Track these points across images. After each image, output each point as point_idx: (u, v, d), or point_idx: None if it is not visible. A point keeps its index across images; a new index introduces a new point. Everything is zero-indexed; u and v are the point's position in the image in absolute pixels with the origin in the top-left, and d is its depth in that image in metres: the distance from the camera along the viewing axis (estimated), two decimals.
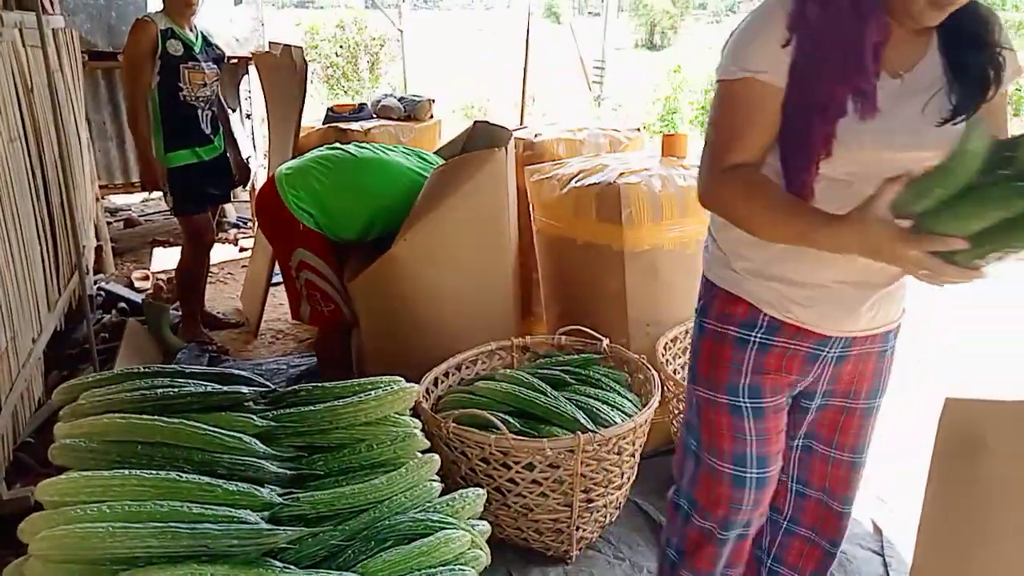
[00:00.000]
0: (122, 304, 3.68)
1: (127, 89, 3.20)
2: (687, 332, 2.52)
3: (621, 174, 2.45)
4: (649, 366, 2.24)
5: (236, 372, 1.67)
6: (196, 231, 3.36)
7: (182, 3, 3.06)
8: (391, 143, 3.28)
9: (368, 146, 2.56)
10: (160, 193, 3.31)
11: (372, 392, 1.60)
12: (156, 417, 1.40)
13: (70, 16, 4.02)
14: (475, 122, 2.87)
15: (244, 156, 3.70)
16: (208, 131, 3.28)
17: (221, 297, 4.16)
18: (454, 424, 1.94)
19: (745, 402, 1.30)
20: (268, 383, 1.70)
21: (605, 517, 2.11)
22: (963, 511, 0.95)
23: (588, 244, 2.54)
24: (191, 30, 3.17)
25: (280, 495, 1.37)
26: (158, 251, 4.86)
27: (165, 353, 3.25)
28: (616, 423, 1.97)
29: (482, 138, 2.72)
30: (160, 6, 3.14)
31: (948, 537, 0.98)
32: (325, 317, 2.54)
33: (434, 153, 2.73)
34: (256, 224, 4.18)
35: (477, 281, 2.49)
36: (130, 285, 4.18)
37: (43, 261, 2.58)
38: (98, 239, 4.22)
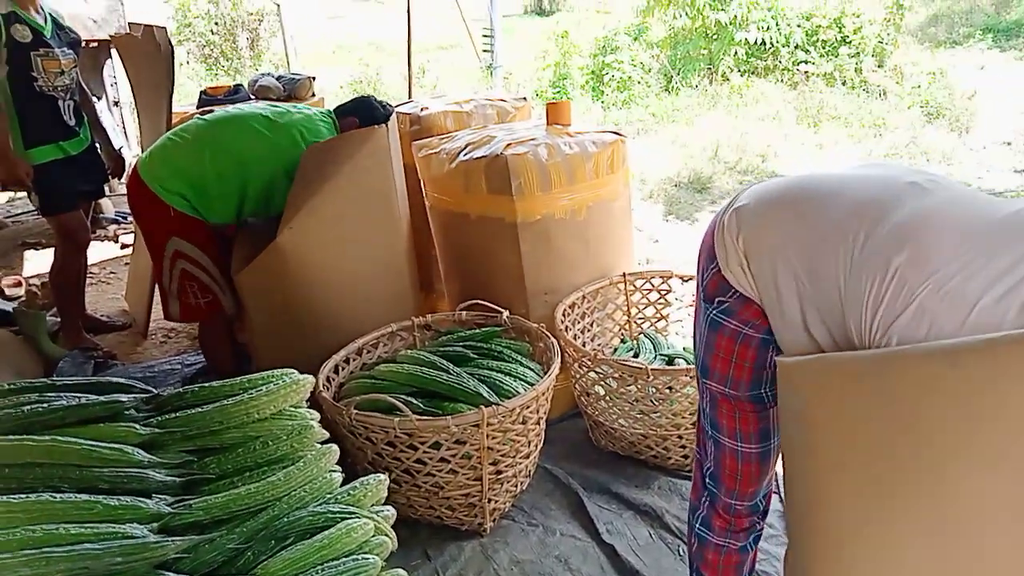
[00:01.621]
0: None
1: None
2: (584, 297, 2.57)
3: (508, 145, 2.45)
4: (548, 334, 2.27)
5: (114, 380, 1.59)
6: (69, 231, 3.14)
7: None
8: None
9: (221, 109, 2.45)
10: (25, 192, 3.07)
11: (263, 387, 1.56)
12: (23, 436, 1.31)
13: None
14: (358, 97, 2.79)
15: (117, 146, 3.47)
16: (72, 123, 3.05)
17: (104, 298, 3.93)
18: (356, 411, 1.91)
19: (767, 392, 1.25)
20: (151, 388, 1.62)
21: (516, 486, 2.15)
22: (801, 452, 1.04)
23: (481, 217, 2.53)
24: (37, 12, 2.92)
25: (170, 504, 1.32)
26: (29, 254, 4.53)
27: (45, 364, 3.04)
28: (519, 393, 2.00)
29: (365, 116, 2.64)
30: None
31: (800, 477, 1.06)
32: (202, 310, 2.43)
33: None
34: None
35: (370, 263, 2.45)
36: (0, 293, 3.88)
37: None
38: None
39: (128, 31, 3.68)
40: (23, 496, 1.20)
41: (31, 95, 2.89)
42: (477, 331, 2.36)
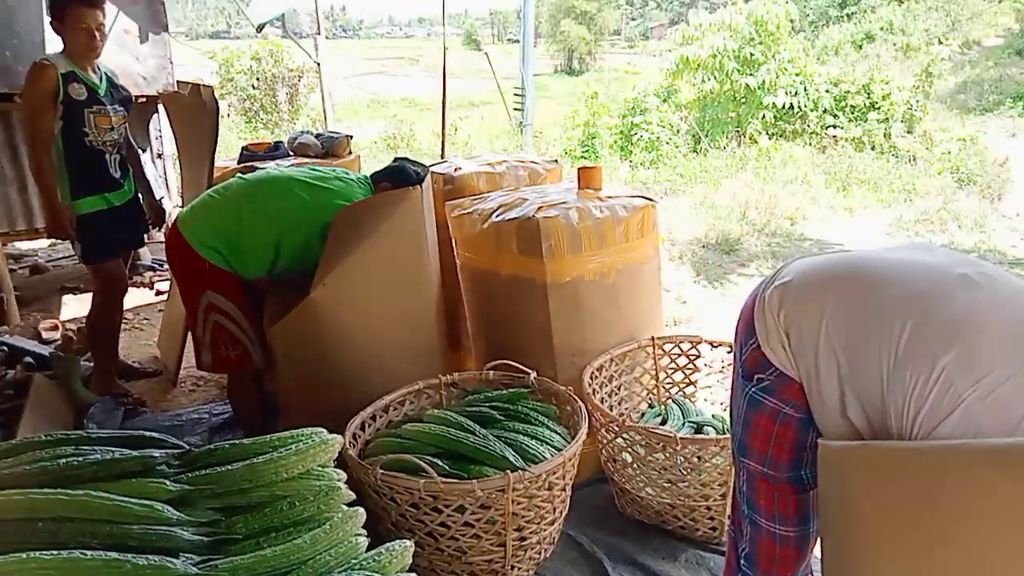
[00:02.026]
0: (28, 358, 3.48)
1: (28, 136, 3.05)
2: (612, 360, 2.57)
3: (540, 208, 2.49)
4: (576, 398, 2.26)
5: (147, 434, 1.61)
6: (108, 279, 3.22)
7: (84, 45, 2.94)
8: None
9: (262, 168, 2.53)
10: (68, 239, 3.17)
11: (292, 446, 1.56)
12: (59, 491, 1.33)
13: None
14: (395, 158, 2.86)
15: (158, 197, 3.58)
16: (117, 175, 3.16)
17: (137, 344, 3.99)
18: (382, 471, 1.91)
19: (807, 474, 1.23)
20: (182, 443, 1.64)
21: (540, 553, 2.11)
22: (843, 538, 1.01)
23: (511, 277, 2.56)
24: (94, 72, 3.05)
25: (196, 564, 1.32)
26: (67, 298, 4.63)
27: (77, 409, 3.09)
28: (546, 458, 1.98)
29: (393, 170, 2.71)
30: (60, 47, 3.02)
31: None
32: (231, 361, 2.47)
33: None
34: None
35: (400, 321, 2.47)
36: (37, 336, 3.96)
37: None
38: (0, 290, 4.00)
39: (176, 89, 3.83)
40: (55, 552, 1.20)
41: (81, 149, 3.00)
42: (504, 392, 2.36)
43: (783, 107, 8.97)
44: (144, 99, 4.42)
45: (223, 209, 2.37)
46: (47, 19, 3.77)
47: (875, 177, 7.50)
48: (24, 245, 5.57)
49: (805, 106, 9.00)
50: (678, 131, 9.41)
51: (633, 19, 48.63)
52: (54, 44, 3.65)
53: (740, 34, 9.14)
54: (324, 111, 7.66)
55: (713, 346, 2.69)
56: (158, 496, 1.41)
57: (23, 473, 1.39)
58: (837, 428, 1.11)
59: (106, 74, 3.13)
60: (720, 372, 2.69)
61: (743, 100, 9.36)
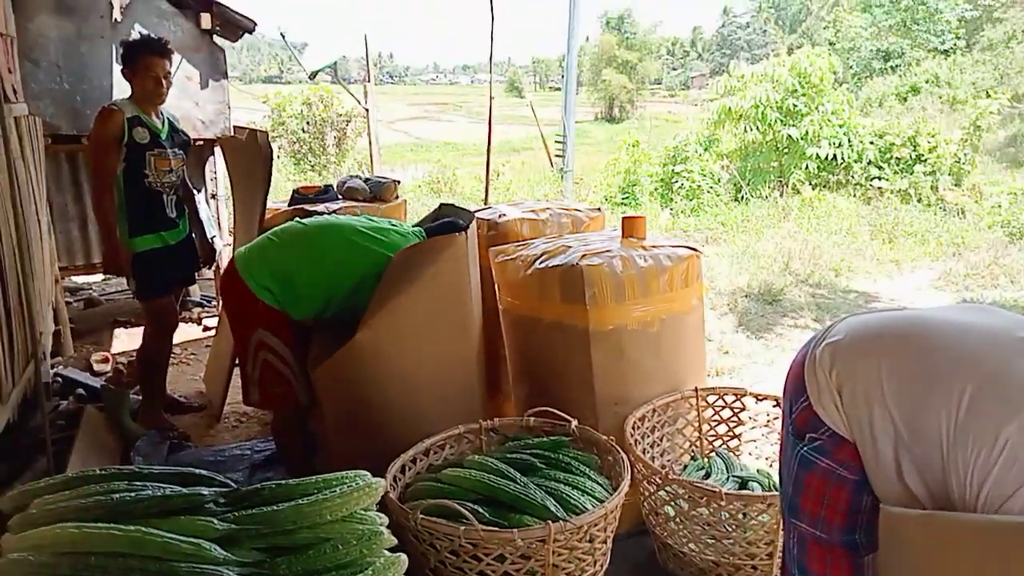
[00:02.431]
0: (80, 390, 3.58)
1: (92, 176, 3.20)
2: (654, 411, 2.54)
3: (583, 256, 2.50)
4: (618, 448, 2.23)
5: (196, 471, 1.63)
6: (160, 314, 3.32)
7: (152, 91, 3.09)
8: None
9: (324, 217, 2.59)
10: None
11: (337, 489, 1.58)
12: (112, 525, 1.36)
13: (34, 101, 4.03)
14: (440, 204, 2.91)
15: (210, 236, 3.70)
16: (173, 215, 3.28)
17: (184, 379, 4.07)
18: (422, 516, 1.90)
19: (862, 538, 1.18)
20: (229, 481, 1.66)
21: None
22: None
23: (553, 324, 2.56)
24: (157, 116, 3.20)
25: None
26: (119, 332, 4.76)
27: (124, 441, 3.15)
28: (587, 509, 1.95)
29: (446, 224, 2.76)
30: (126, 93, 3.17)
31: None
32: (278, 399, 2.52)
33: None
34: (220, 304, 4.15)
35: (442, 365, 2.49)
36: (89, 368, 4.07)
37: None
38: (57, 323, 4.13)
39: (233, 133, 3.98)
40: None
41: (141, 189, 3.13)
42: (544, 439, 2.34)
43: (826, 158, 8.93)
44: (202, 142, 4.60)
45: (280, 251, 2.44)
46: (116, 67, 3.99)
47: (922, 230, 7.38)
48: (80, 279, 5.77)
49: (849, 157, 8.95)
50: (719, 180, 9.41)
51: (674, 69, 49.18)
52: (120, 90, 3.85)
53: (783, 85, 9.17)
54: (371, 155, 7.87)
55: (758, 399, 2.64)
56: (206, 534, 1.43)
57: (78, 507, 1.42)
58: (894, 491, 1.08)
59: (168, 118, 3.27)
60: (765, 426, 2.64)
61: (785, 150, 9.34)
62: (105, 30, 4.24)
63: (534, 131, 11.49)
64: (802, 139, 8.99)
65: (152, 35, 3.37)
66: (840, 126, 9.09)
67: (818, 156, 8.92)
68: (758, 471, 2.51)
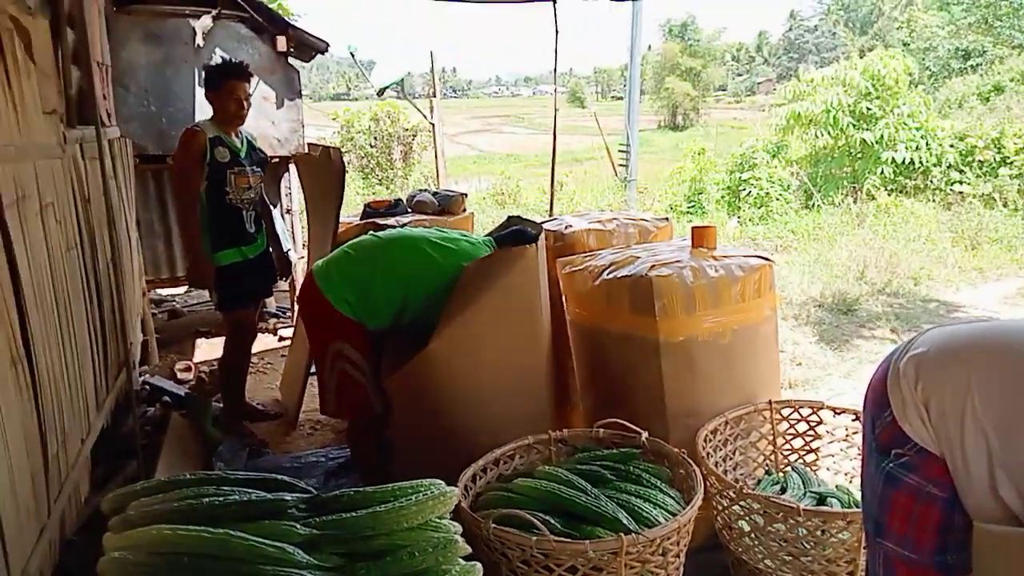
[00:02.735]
0: (166, 397, 3.75)
1: (178, 195, 3.35)
2: (727, 423, 2.49)
3: (652, 266, 2.49)
4: (690, 460, 2.20)
5: (279, 478, 1.69)
6: (240, 325, 3.45)
7: (234, 113, 3.24)
8: None
9: (397, 229, 2.66)
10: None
11: (413, 496, 1.61)
12: (202, 528, 1.42)
13: (124, 123, 4.27)
14: (509, 217, 2.95)
15: (285, 249, 3.83)
16: (252, 230, 3.41)
17: (260, 387, 4.22)
18: (494, 525, 1.92)
19: (953, 559, 1.14)
20: (310, 487, 1.72)
21: None
22: None
23: (622, 335, 2.55)
24: (236, 136, 3.34)
25: None
26: (200, 342, 4.97)
27: (207, 447, 3.28)
28: (660, 523, 1.94)
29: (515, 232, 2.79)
30: (207, 114, 3.33)
31: None
32: (354, 407, 2.59)
33: None
34: (296, 315, 4.29)
35: (512, 375, 2.51)
36: (173, 376, 4.26)
37: (92, 362, 2.66)
38: (144, 333, 4.34)
39: (308, 150, 4.12)
40: None
41: (222, 206, 3.27)
42: (615, 451, 2.33)
43: (903, 162, 8.61)
44: (277, 159, 4.78)
45: (356, 263, 2.52)
46: (199, 89, 4.19)
47: (1008, 236, 7.02)
48: (165, 291, 6.05)
49: (927, 161, 8.60)
50: (788, 187, 9.18)
51: (739, 75, 48.29)
52: (202, 111, 4.04)
53: (855, 88, 8.90)
54: (436, 168, 8.01)
55: (836, 412, 2.56)
56: (289, 539, 1.48)
57: (171, 509, 1.49)
58: (988, 508, 1.04)
59: (246, 137, 3.41)
60: (844, 441, 2.56)
61: (859, 155, 9.05)
62: (189, 55, 4.46)
63: (596, 141, 11.48)
64: (877, 143, 8.69)
65: (233, 59, 3.54)
66: (917, 129, 8.76)
67: (894, 160, 8.61)
68: (837, 487, 2.44)
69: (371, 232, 2.67)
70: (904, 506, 1.15)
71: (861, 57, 9.51)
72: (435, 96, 8.10)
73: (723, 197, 9.22)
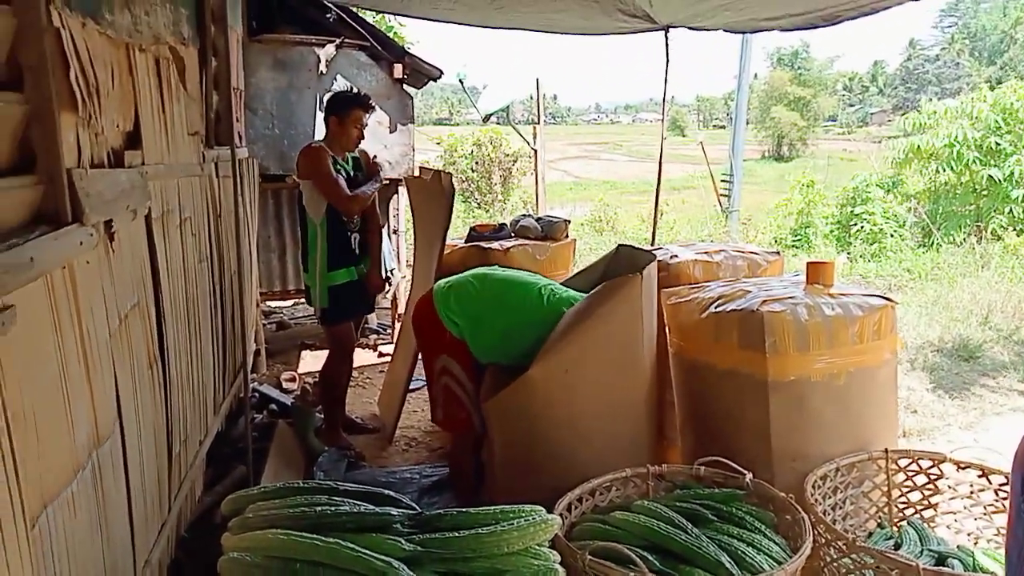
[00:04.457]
0: (272, 405, 3.93)
1: (337, 199, 3.33)
2: (838, 470, 2.37)
3: (764, 301, 2.41)
4: (797, 507, 2.11)
5: (386, 492, 1.74)
6: (342, 340, 3.58)
7: (354, 139, 3.39)
8: (529, 261, 3.45)
9: (519, 271, 2.74)
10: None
11: (514, 521, 1.62)
12: (315, 536, 1.47)
13: (251, 144, 4.55)
14: (619, 246, 2.94)
15: (388, 268, 3.95)
16: (357, 252, 3.54)
17: (360, 401, 4.34)
18: (591, 557, 1.89)
19: None
20: (414, 504, 1.75)
21: None
22: None
23: (729, 371, 2.48)
24: (344, 160, 3.49)
25: None
26: (305, 354, 5.18)
27: (308, 456, 3.41)
28: (764, 569, 1.86)
29: (624, 262, 2.78)
30: (321, 135, 3.49)
31: None
32: (458, 422, 2.70)
33: (575, 275, 2.84)
34: (397, 332, 4.41)
35: (612, 405, 2.48)
36: (278, 385, 4.45)
37: (214, 367, 2.83)
38: (256, 343, 4.58)
39: (418, 174, 4.25)
40: None
41: (338, 227, 3.41)
42: (716, 491, 2.26)
43: None
44: (388, 181, 4.96)
45: (474, 295, 2.64)
46: (318, 113, 4.41)
47: None
48: (273, 303, 6.36)
49: None
50: (904, 223, 8.72)
51: (851, 105, 46.45)
52: (320, 135, 4.25)
53: (983, 122, 8.38)
54: (536, 194, 8.09)
55: (960, 467, 2.39)
56: (394, 553, 1.52)
57: (286, 515, 1.56)
58: None
59: (350, 157, 3.54)
60: (968, 498, 2.38)
61: (984, 192, 8.49)
62: (312, 81, 4.72)
63: (695, 170, 11.32)
64: (1006, 180, 8.13)
65: (352, 85, 3.70)
66: None
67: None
68: (958, 547, 2.27)
69: (496, 266, 2.76)
70: None
71: (992, 89, 8.95)
72: (540, 123, 8.20)
73: (832, 232, 8.85)
